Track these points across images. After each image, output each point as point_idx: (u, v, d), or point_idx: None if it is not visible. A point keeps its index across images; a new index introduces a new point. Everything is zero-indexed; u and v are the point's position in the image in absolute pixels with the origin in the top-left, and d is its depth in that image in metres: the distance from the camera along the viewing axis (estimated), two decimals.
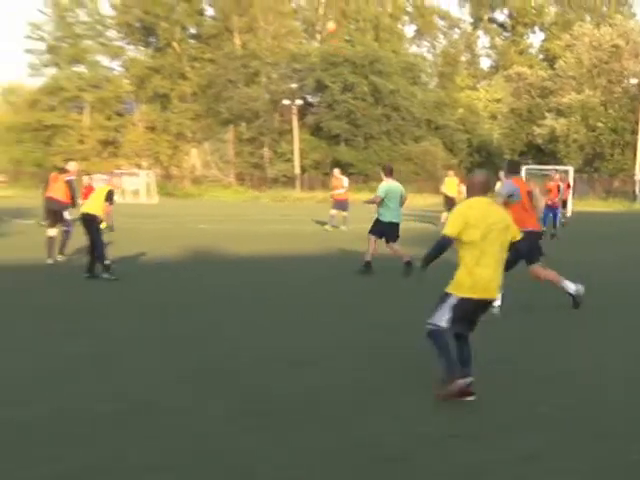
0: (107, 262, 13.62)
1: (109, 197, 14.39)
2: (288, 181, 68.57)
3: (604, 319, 11.23)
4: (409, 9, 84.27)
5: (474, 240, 6.62)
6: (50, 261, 15.76)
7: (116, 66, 78.06)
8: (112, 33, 75.87)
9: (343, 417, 6.31)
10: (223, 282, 14.51)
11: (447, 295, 6.65)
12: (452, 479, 5.17)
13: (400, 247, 15.63)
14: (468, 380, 6.58)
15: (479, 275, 6.59)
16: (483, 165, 66.16)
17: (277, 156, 72.03)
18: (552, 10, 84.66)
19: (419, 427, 6.03)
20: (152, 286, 13.74)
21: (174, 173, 73.35)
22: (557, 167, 43.78)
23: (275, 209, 48.89)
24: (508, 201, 10.59)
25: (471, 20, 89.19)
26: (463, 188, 23.41)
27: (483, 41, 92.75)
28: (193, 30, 76.70)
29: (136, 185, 60.85)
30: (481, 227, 6.57)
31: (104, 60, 77.12)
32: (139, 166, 67.56)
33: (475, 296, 6.59)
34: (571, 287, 11.05)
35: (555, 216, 28.49)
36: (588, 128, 67.23)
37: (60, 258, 16.41)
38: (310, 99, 73.03)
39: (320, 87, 70.36)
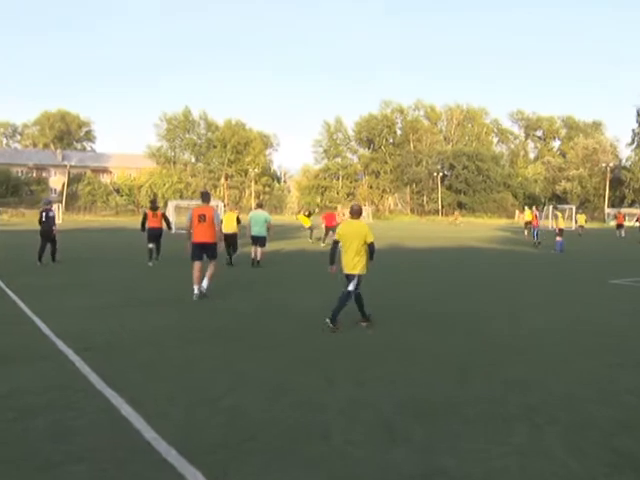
0: None
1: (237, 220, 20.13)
2: (435, 212, 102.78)
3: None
4: (495, 130, 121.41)
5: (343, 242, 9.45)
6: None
7: (354, 158, 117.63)
8: (353, 143, 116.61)
9: None
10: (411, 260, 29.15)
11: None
12: None
13: (261, 251, 19.21)
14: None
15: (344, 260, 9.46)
16: (530, 204, 78.02)
17: (430, 200, 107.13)
18: (563, 131, 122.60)
19: None
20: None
21: (380, 208, 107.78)
22: (566, 206, 66.44)
23: (428, 226, 67.59)
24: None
25: (523, 134, 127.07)
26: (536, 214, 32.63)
27: (530, 144, 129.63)
28: (391, 140, 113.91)
29: (363, 214, 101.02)
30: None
31: (349, 155, 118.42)
32: (364, 205, 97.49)
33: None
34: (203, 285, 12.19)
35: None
36: (581, 187, 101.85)
37: None
38: (446, 172, 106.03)
39: (451, 167, 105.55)
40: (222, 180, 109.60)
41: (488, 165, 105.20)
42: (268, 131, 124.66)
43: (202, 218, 12.06)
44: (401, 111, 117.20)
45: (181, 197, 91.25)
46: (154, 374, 7.11)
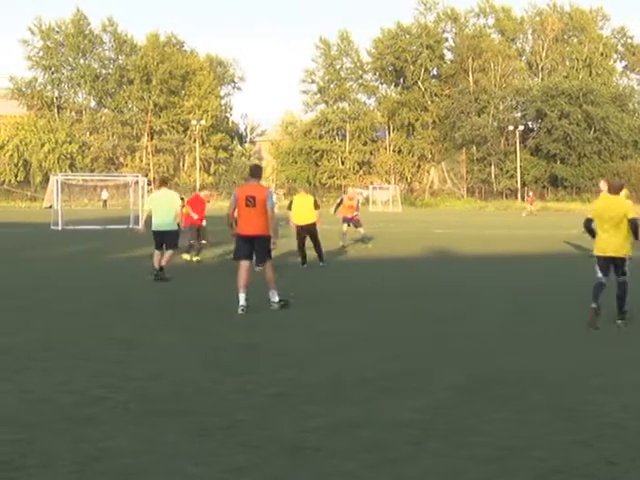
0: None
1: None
2: (511, 193, 76.91)
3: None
4: (620, 47, 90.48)
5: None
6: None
7: (371, 102, 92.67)
8: (369, 76, 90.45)
9: None
10: (452, 276, 15.35)
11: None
12: None
13: (168, 257, 14.01)
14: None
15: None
16: None
17: (502, 173, 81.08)
18: None
19: None
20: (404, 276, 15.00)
21: (416, 187, 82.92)
22: None
23: (498, 217, 53.82)
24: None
25: None
26: None
27: None
28: (434, 71, 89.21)
29: (386, 197, 69.49)
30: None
31: (362, 97, 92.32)
32: (388, 182, 77.73)
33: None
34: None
35: None
36: None
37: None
38: (531, 125, 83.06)
39: (539, 115, 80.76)
40: (144, 139, 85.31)
41: (606, 111, 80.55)
42: (224, 56, 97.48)
43: (250, 201, 10.13)
44: (454, 19, 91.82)
45: (72, 168, 76.85)
46: None
